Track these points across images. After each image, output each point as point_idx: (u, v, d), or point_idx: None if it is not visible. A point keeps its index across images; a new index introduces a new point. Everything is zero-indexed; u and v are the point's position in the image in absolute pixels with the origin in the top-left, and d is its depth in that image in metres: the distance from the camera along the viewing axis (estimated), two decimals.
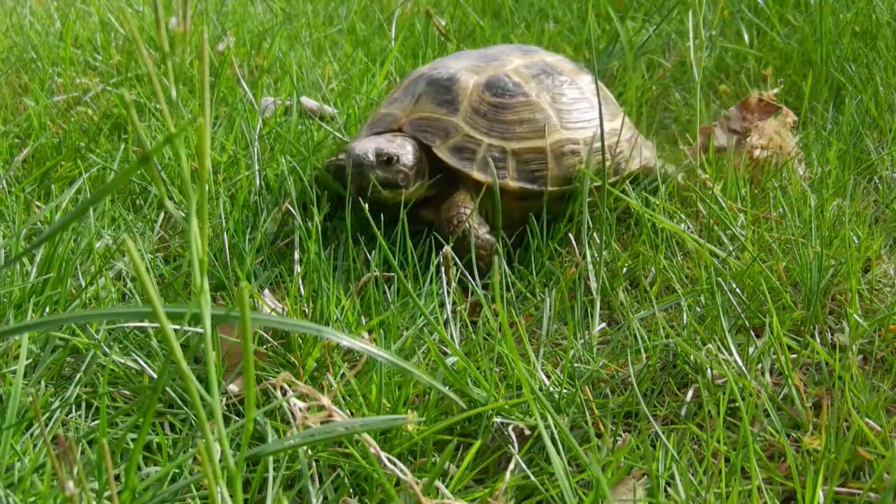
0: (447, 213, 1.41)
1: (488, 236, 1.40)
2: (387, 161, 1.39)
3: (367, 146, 1.40)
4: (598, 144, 1.46)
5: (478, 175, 1.41)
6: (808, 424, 1.08)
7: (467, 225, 1.38)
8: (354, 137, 1.57)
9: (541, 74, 1.52)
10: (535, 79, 1.50)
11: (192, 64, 2.12)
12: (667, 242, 1.46)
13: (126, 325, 1.20)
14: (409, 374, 1.05)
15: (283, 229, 1.46)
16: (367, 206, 1.36)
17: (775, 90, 1.91)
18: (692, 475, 1.00)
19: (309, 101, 1.97)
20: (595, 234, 1.43)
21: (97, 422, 1.04)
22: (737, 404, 1.09)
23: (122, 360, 1.16)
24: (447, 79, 1.49)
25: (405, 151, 1.41)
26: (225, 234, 1.39)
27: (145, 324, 1.20)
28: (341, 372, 1.15)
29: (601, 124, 1.41)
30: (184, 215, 0.62)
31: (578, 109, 1.51)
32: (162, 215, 1.56)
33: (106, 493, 0.88)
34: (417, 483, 0.94)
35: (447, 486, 0.99)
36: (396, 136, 1.45)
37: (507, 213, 1.42)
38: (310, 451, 1.02)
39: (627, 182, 1.55)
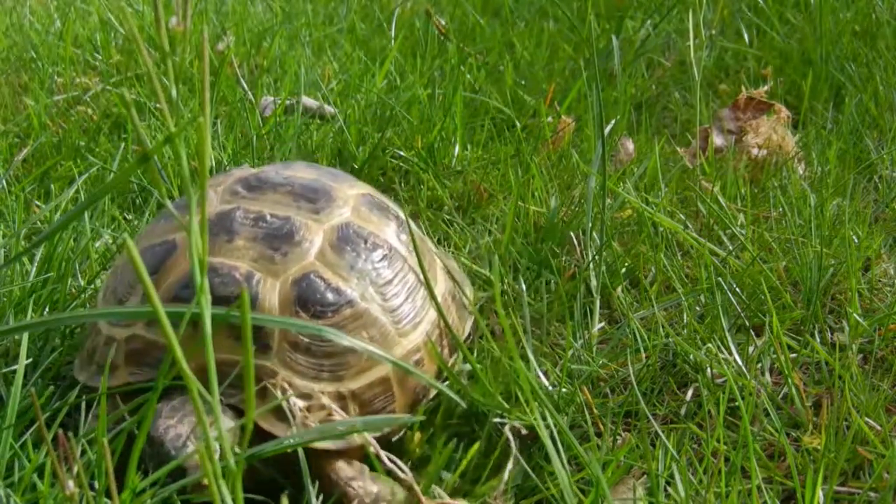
0: (327, 482, 0.99)
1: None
2: None
3: (170, 428, 0.93)
4: (436, 334, 1.15)
5: (319, 445, 1.00)
6: (808, 424, 1.08)
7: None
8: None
9: (357, 259, 1.09)
10: (353, 271, 1.08)
11: (192, 63, 2.12)
12: (667, 242, 1.46)
13: None
14: (408, 374, 1.05)
15: None
16: None
17: (765, 87, 1.90)
18: (692, 474, 1.00)
19: (308, 101, 1.97)
20: (595, 234, 1.42)
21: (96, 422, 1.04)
22: (737, 403, 1.09)
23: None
24: (240, 297, 0.94)
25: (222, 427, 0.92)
26: None
27: None
28: None
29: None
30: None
31: (409, 293, 1.13)
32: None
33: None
34: (417, 483, 0.94)
35: (446, 486, 0.99)
36: None
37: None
38: None
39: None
